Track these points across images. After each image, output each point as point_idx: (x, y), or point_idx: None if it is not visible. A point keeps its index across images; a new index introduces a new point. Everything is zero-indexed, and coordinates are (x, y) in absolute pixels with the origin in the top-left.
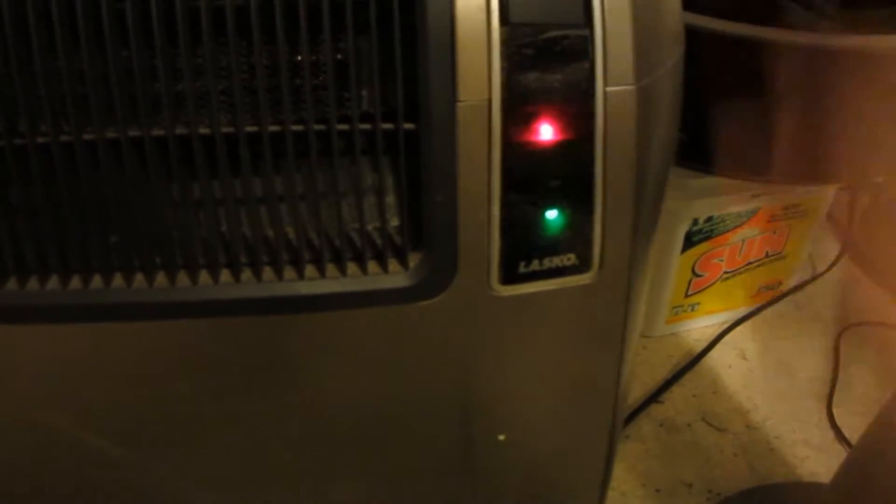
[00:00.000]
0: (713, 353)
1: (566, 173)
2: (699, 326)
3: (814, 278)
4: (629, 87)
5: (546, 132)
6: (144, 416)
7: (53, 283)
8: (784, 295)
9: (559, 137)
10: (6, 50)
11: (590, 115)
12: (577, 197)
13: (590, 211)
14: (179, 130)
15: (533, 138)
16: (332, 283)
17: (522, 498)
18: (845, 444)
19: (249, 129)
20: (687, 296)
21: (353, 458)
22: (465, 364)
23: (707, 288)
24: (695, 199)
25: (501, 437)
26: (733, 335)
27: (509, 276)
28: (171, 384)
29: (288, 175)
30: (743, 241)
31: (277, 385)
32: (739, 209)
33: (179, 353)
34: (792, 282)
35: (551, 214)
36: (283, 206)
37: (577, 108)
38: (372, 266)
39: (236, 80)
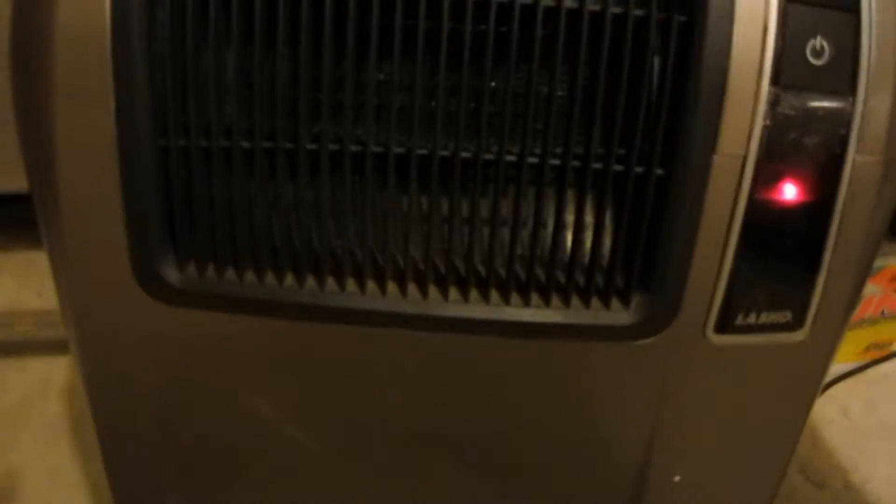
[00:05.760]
0: (815, 406)
1: (802, 234)
2: None
3: None
4: (877, 159)
5: (791, 192)
6: (353, 417)
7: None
8: (893, 355)
9: (802, 199)
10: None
11: (836, 181)
12: (807, 258)
13: (815, 273)
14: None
15: (778, 197)
16: (555, 314)
17: None
18: None
19: (509, 157)
20: None
21: (529, 485)
22: (664, 404)
23: None
24: None
25: (676, 479)
26: (836, 390)
27: (725, 326)
28: (385, 391)
29: (521, 205)
30: (862, 297)
31: (480, 407)
32: None
33: (401, 362)
34: None
35: (779, 272)
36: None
37: (825, 173)
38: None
39: (509, 106)
